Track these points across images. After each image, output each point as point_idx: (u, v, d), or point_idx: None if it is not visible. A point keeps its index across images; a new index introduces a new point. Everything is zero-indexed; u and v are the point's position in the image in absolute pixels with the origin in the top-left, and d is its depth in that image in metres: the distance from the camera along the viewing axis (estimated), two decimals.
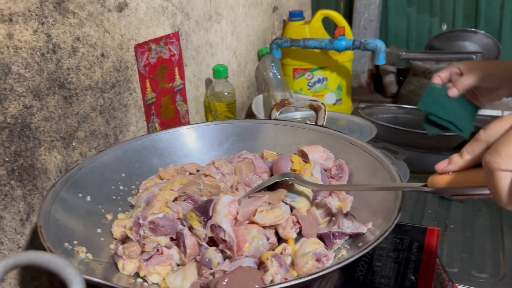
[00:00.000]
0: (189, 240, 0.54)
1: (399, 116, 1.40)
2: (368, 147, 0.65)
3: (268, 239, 0.56)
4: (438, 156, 1.18)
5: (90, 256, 0.57)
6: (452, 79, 0.86)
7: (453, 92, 0.84)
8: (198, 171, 0.73)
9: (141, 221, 0.54)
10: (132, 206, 0.70)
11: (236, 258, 0.53)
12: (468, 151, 0.44)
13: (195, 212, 0.55)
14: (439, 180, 0.47)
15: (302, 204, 0.59)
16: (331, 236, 0.56)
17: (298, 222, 0.56)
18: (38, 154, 0.67)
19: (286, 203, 0.60)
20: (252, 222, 0.57)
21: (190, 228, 0.56)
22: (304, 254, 0.52)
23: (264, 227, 0.57)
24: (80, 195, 0.66)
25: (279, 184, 0.64)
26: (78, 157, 0.74)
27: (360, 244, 0.53)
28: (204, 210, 0.55)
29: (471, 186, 0.44)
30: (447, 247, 0.85)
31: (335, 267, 0.44)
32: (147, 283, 0.54)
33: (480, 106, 0.88)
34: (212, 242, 0.56)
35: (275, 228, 0.58)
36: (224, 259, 0.54)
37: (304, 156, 0.68)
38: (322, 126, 0.74)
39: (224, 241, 0.53)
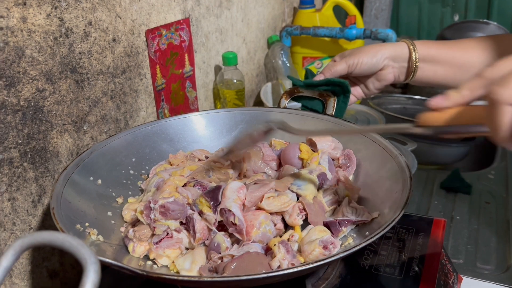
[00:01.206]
0: (199, 225, 0.55)
1: (408, 107, 1.39)
2: (377, 137, 0.65)
3: (275, 225, 0.57)
4: (446, 148, 1.19)
5: (101, 238, 0.58)
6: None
7: (318, 77, 0.79)
8: (207, 157, 0.74)
9: (152, 205, 0.54)
10: (142, 191, 0.71)
11: (244, 244, 0.53)
12: (468, 87, 0.42)
13: (205, 198, 0.56)
14: (433, 118, 0.44)
15: (308, 192, 0.59)
16: (337, 224, 0.57)
17: (304, 209, 0.57)
18: (50, 137, 0.67)
19: (292, 191, 0.60)
20: (259, 208, 0.58)
21: (200, 213, 0.56)
22: (310, 241, 0.53)
23: (271, 213, 0.58)
24: (91, 178, 0.67)
25: (284, 173, 0.65)
26: (89, 141, 0.75)
27: (367, 233, 0.54)
28: (213, 195, 0.56)
29: (467, 123, 0.41)
30: (453, 239, 0.85)
31: (342, 255, 0.45)
32: (157, 265, 0.56)
33: (365, 93, 0.83)
34: (221, 227, 0.57)
35: (282, 214, 0.58)
36: (232, 244, 0.55)
37: (312, 145, 0.68)
38: (331, 115, 0.74)
39: (234, 224, 0.54)
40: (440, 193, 1.00)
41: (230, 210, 0.54)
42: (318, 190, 0.61)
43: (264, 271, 0.49)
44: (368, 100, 1.24)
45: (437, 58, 0.75)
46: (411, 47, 0.75)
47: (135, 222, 0.58)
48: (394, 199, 0.55)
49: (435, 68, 0.76)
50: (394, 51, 0.76)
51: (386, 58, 0.76)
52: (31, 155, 0.65)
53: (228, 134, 0.80)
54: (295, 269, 0.44)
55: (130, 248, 0.56)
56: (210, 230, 0.56)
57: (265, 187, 0.58)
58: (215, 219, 0.55)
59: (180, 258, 0.54)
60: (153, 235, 0.56)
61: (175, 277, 0.44)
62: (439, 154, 1.16)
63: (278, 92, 1.28)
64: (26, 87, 0.62)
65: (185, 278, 0.44)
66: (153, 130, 0.77)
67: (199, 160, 0.74)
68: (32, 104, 0.64)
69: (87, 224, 0.59)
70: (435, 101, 0.44)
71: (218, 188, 0.57)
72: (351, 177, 0.66)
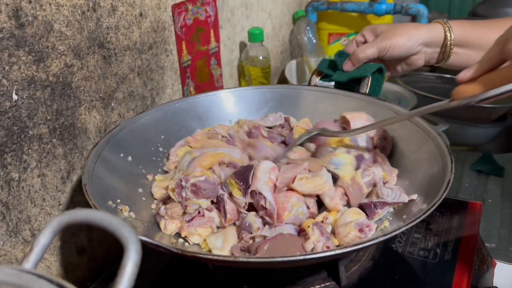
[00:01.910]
0: (229, 206, 0.54)
1: (437, 86, 1.35)
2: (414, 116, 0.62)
3: (308, 207, 0.56)
4: (478, 129, 1.15)
5: (132, 214, 0.57)
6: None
7: (347, 66, 0.74)
8: (230, 135, 0.72)
9: (183, 183, 0.54)
10: (165, 172, 0.70)
11: (276, 225, 0.52)
12: (486, 56, 0.46)
13: (235, 179, 0.54)
14: (464, 90, 0.46)
15: (346, 172, 0.57)
16: (372, 206, 0.55)
17: (345, 194, 0.55)
18: (79, 114, 0.67)
19: (330, 171, 0.58)
20: (291, 189, 0.57)
21: (230, 195, 0.55)
22: (345, 223, 0.51)
23: (304, 195, 0.56)
24: (122, 155, 0.67)
25: (319, 153, 0.63)
26: (117, 118, 0.74)
27: (404, 216, 0.52)
28: (244, 177, 0.54)
29: (497, 86, 0.43)
30: (485, 222, 0.83)
31: (380, 239, 0.43)
32: (188, 243, 0.55)
33: (392, 74, 0.79)
34: (252, 207, 0.56)
35: (315, 196, 0.57)
36: (264, 225, 0.54)
37: (346, 123, 0.66)
38: (365, 94, 0.72)
39: (265, 208, 0.53)
40: (471, 175, 0.98)
41: (261, 193, 0.53)
42: (355, 170, 0.60)
43: (298, 253, 0.48)
44: (396, 78, 1.20)
45: (473, 42, 0.71)
46: (447, 30, 0.70)
47: (166, 200, 0.58)
48: (432, 182, 0.53)
49: (469, 52, 0.72)
50: (430, 36, 0.71)
51: (420, 44, 0.71)
52: (60, 131, 0.64)
53: (258, 112, 0.78)
54: (331, 252, 0.42)
55: (162, 226, 0.56)
56: (240, 212, 0.55)
57: (298, 168, 0.57)
58: (245, 203, 0.54)
59: (212, 237, 0.54)
60: (184, 213, 0.55)
61: (210, 256, 0.43)
62: (469, 135, 1.12)
63: (303, 70, 1.26)
64: (54, 62, 0.62)
65: (220, 258, 0.44)
66: (182, 107, 0.76)
67: (223, 137, 0.72)
68: (61, 79, 0.63)
69: (118, 200, 0.59)
70: (461, 75, 0.47)
71: (249, 168, 0.55)
72: (386, 157, 0.64)
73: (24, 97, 0.58)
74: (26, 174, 0.60)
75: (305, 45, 1.26)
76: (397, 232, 0.43)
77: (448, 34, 0.70)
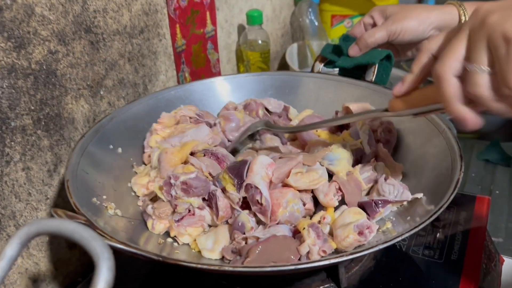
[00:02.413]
0: (222, 202, 0.51)
1: None
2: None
3: (304, 204, 0.52)
4: (485, 116, 1.11)
5: (119, 212, 0.54)
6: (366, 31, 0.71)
7: (353, 51, 0.69)
8: (198, 114, 0.68)
9: (172, 181, 0.50)
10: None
11: (270, 225, 0.49)
12: (415, 64, 0.46)
13: (228, 174, 0.51)
14: (398, 104, 0.48)
15: (340, 167, 0.54)
16: (373, 204, 0.52)
17: (340, 189, 0.52)
18: (65, 103, 0.63)
19: (323, 166, 0.55)
20: (286, 185, 0.53)
21: (223, 190, 0.52)
22: (344, 225, 0.48)
23: (300, 191, 0.53)
24: (111, 146, 0.64)
25: (313, 146, 0.60)
26: (106, 107, 0.71)
27: (408, 217, 0.49)
28: (238, 172, 0.51)
29: (427, 103, 0.44)
30: (492, 215, 0.80)
31: (381, 246, 0.40)
32: (177, 243, 0.52)
33: (401, 59, 0.74)
34: (245, 204, 0.52)
35: (312, 193, 0.53)
36: (258, 224, 0.51)
37: (349, 114, 0.62)
38: (371, 82, 0.67)
39: (259, 204, 0.50)
40: (478, 165, 0.94)
41: (257, 188, 0.49)
42: (354, 166, 0.56)
43: (292, 256, 0.44)
44: (402, 63, 1.15)
45: None
46: (462, 13, 0.65)
47: (154, 197, 0.54)
48: (440, 179, 0.49)
49: None
50: (443, 19, 0.66)
51: (433, 28, 0.66)
52: (45, 122, 0.61)
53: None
54: (325, 262, 0.39)
55: (149, 225, 0.52)
56: (233, 208, 0.52)
57: (293, 161, 0.53)
58: (239, 198, 0.50)
59: (202, 237, 0.50)
60: (174, 211, 0.52)
61: (194, 265, 0.40)
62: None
63: (305, 54, 1.21)
64: (37, 48, 0.58)
65: (204, 267, 0.41)
66: (177, 95, 0.73)
67: (191, 118, 0.68)
68: (44, 67, 0.59)
69: (104, 197, 0.56)
70: (396, 89, 0.47)
71: (243, 163, 0.52)
72: (390, 152, 0.60)
73: (4, 86, 0.54)
74: (9, 168, 0.57)
75: (306, 28, 1.21)
76: (400, 238, 0.40)
77: (462, 17, 0.65)
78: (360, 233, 0.46)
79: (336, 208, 0.52)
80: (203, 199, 0.53)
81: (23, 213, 0.60)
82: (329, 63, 0.73)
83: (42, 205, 0.62)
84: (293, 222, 0.51)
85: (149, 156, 0.65)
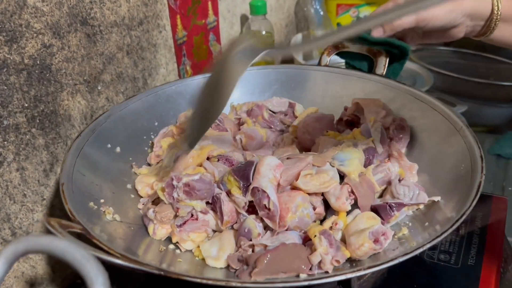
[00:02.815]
0: (227, 206, 0.48)
1: (452, 61, 1.26)
2: (438, 103, 0.55)
3: (314, 208, 0.49)
4: (497, 109, 1.08)
5: (117, 217, 0.52)
6: None
7: (377, 32, 0.64)
8: (219, 120, 0.65)
9: (175, 183, 0.47)
10: (149, 165, 0.64)
11: (279, 231, 0.46)
12: None
13: (234, 176, 0.48)
14: None
15: (352, 168, 0.50)
16: (388, 207, 0.49)
17: (352, 192, 0.49)
18: (61, 99, 0.60)
19: (333, 167, 0.52)
20: (295, 188, 0.50)
21: (228, 194, 0.49)
22: (358, 231, 0.45)
23: (310, 194, 0.50)
24: (109, 145, 0.61)
25: (321, 145, 0.56)
26: (104, 103, 0.68)
27: (426, 223, 0.46)
28: (244, 174, 0.48)
29: None
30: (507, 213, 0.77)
31: (401, 259, 0.37)
32: (180, 250, 0.49)
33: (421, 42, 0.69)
34: (251, 208, 0.50)
35: (322, 195, 0.50)
36: (265, 229, 0.48)
37: (359, 110, 0.59)
38: (382, 75, 0.64)
39: (267, 208, 0.47)
40: (490, 160, 0.91)
41: (264, 191, 0.46)
42: (366, 166, 0.53)
43: (303, 266, 0.42)
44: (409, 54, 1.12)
45: None
46: (495, 1, 0.61)
47: (155, 199, 0.52)
48: (458, 182, 0.46)
49: None
50: (476, 7, 0.61)
51: (464, 15, 0.62)
52: (39, 120, 0.58)
53: (261, 95, 0.71)
54: (342, 277, 0.37)
55: (150, 230, 0.50)
56: (239, 213, 0.49)
57: (302, 162, 0.50)
58: (245, 202, 0.48)
59: (206, 243, 0.48)
60: (176, 215, 0.49)
61: (199, 280, 0.37)
62: (488, 115, 1.05)
63: None
64: (30, 42, 0.54)
65: (210, 282, 0.38)
66: (178, 90, 0.69)
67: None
68: (38, 62, 0.56)
69: (102, 200, 0.53)
70: None
71: (249, 164, 0.49)
72: (403, 151, 0.57)
73: None
74: (2, 169, 0.54)
75: (311, 18, 1.17)
76: (421, 250, 0.37)
77: (496, 7, 0.61)
78: (376, 241, 0.43)
79: (348, 213, 0.49)
80: (207, 203, 0.50)
81: (18, 215, 0.57)
82: (340, 54, 0.69)
83: (38, 206, 0.60)
84: (303, 228, 0.48)
85: (158, 156, 0.62)
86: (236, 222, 0.49)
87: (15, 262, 0.27)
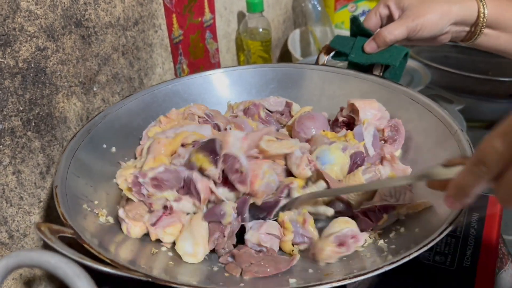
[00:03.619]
0: (201, 184, 0.49)
1: (450, 56, 1.26)
2: (435, 106, 0.55)
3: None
4: (495, 104, 1.07)
5: (110, 219, 0.52)
6: (382, 23, 0.67)
7: (370, 47, 0.65)
8: (207, 114, 0.65)
9: (141, 180, 0.47)
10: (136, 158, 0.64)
11: (260, 222, 0.48)
12: None
13: (202, 152, 0.49)
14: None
15: (332, 174, 0.52)
16: (376, 210, 0.49)
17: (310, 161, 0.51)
18: (56, 102, 0.60)
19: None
20: (261, 154, 0.53)
21: (200, 170, 0.50)
22: (325, 236, 0.46)
23: (273, 160, 0.53)
24: (104, 146, 0.61)
25: (316, 142, 0.57)
26: (100, 104, 0.67)
27: (417, 229, 0.46)
28: (211, 148, 0.49)
29: None
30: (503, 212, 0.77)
31: (387, 268, 0.38)
32: (166, 247, 0.50)
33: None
34: (224, 179, 0.51)
35: (285, 164, 0.53)
36: (237, 215, 0.50)
37: (354, 112, 0.58)
38: (379, 76, 0.64)
39: (239, 172, 0.48)
40: None
41: (235, 157, 0.47)
42: (353, 170, 0.53)
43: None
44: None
45: (506, 24, 0.62)
46: (481, 7, 0.61)
47: (126, 198, 0.52)
48: None
49: (500, 35, 0.63)
50: (463, 14, 0.62)
51: (452, 24, 0.62)
52: (35, 123, 0.58)
53: (258, 94, 0.71)
54: (327, 285, 0.38)
55: (124, 229, 0.50)
56: (212, 192, 0.50)
57: (265, 130, 0.53)
58: (219, 173, 0.48)
59: (179, 241, 0.48)
60: (150, 211, 0.49)
61: (186, 287, 0.38)
62: (486, 110, 1.05)
63: (307, 41, 1.17)
64: (24, 46, 0.54)
65: None
66: (174, 90, 0.69)
67: (199, 117, 0.65)
68: (33, 65, 0.56)
69: (96, 202, 0.53)
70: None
71: (211, 140, 0.50)
72: (398, 152, 0.57)
73: None
74: None
75: (309, 13, 1.16)
76: (405, 260, 0.38)
77: (482, 14, 0.61)
78: (341, 244, 0.44)
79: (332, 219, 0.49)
80: (179, 190, 0.50)
81: (15, 218, 0.57)
82: (337, 55, 0.69)
83: (35, 209, 0.60)
84: (269, 193, 0.50)
85: (142, 147, 0.62)
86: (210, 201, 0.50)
87: (7, 276, 0.28)
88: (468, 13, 0.62)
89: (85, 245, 0.41)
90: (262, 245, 0.47)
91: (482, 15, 0.61)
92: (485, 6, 0.61)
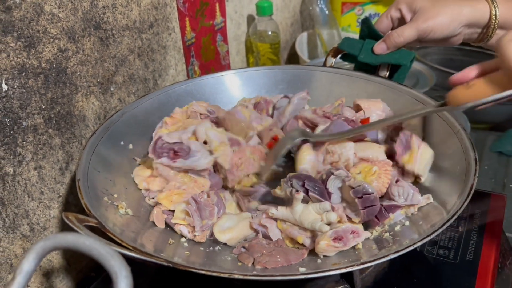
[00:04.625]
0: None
1: (455, 58, 1.28)
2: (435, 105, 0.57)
3: None
4: (498, 107, 1.08)
5: (129, 211, 0.54)
6: (393, 25, 0.68)
7: (380, 48, 0.66)
8: (209, 111, 0.68)
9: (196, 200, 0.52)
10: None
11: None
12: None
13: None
14: (463, 95, 0.44)
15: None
16: (383, 209, 0.51)
17: None
18: (75, 101, 0.63)
19: None
20: None
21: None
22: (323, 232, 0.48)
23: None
24: (122, 143, 0.63)
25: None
26: (117, 103, 0.70)
27: (421, 222, 0.48)
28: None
29: (494, 92, 0.42)
30: (506, 210, 0.79)
31: (392, 256, 0.40)
32: (187, 244, 0.52)
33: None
34: None
35: None
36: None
37: (360, 111, 0.61)
38: (385, 77, 0.66)
39: None
40: (491, 157, 0.93)
41: None
42: None
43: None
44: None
45: None
46: (493, 9, 0.62)
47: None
48: (454, 183, 0.48)
49: None
50: (474, 16, 0.62)
51: (463, 26, 0.63)
52: (56, 121, 0.60)
53: (268, 94, 0.73)
54: (332, 272, 0.40)
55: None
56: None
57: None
58: None
59: (223, 218, 0.53)
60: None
61: (203, 272, 0.40)
62: (489, 112, 1.06)
63: (315, 43, 1.19)
64: (47, 47, 0.57)
65: (214, 274, 0.41)
66: (188, 90, 0.72)
67: (201, 114, 0.67)
68: (55, 65, 0.59)
69: (115, 195, 0.56)
70: (457, 76, 0.45)
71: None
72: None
73: (15, 86, 0.54)
74: (21, 168, 0.57)
75: (317, 16, 1.19)
76: (411, 248, 0.40)
77: (493, 15, 0.62)
78: (338, 239, 0.46)
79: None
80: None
81: (36, 211, 0.60)
82: (345, 57, 0.71)
83: (54, 203, 0.63)
84: None
85: None
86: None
87: (44, 257, 0.30)
88: (480, 15, 0.62)
89: (109, 234, 0.44)
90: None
91: (494, 17, 0.62)
92: (496, 8, 0.62)
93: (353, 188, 0.47)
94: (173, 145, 0.56)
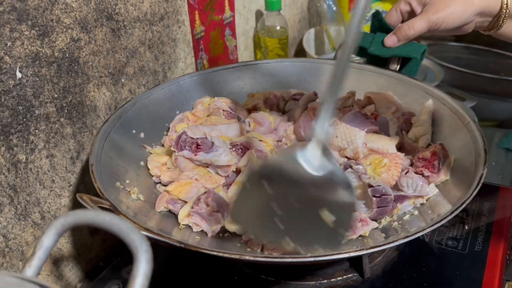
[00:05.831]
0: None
1: (462, 57, 1.28)
2: (447, 98, 0.57)
3: None
4: (505, 104, 1.09)
5: (141, 197, 0.55)
6: (403, 19, 0.68)
7: (390, 41, 0.66)
8: (231, 108, 0.68)
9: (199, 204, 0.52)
10: (163, 146, 0.67)
11: None
12: None
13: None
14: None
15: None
16: (392, 200, 0.51)
17: None
18: (87, 91, 0.63)
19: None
20: None
21: None
22: None
23: None
24: (134, 131, 0.64)
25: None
26: (127, 94, 0.71)
27: (429, 211, 0.48)
28: None
29: None
30: None
31: (402, 241, 0.40)
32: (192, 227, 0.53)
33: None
34: None
35: None
36: None
37: (370, 103, 0.61)
38: (395, 71, 0.66)
39: None
40: (499, 153, 0.92)
41: None
42: None
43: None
44: None
45: None
46: None
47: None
48: (463, 173, 0.49)
49: None
50: (486, 6, 0.62)
51: (476, 14, 0.63)
52: (68, 110, 0.61)
53: (278, 87, 0.73)
54: (340, 255, 0.40)
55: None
56: None
57: None
58: None
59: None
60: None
61: (215, 253, 0.41)
62: (497, 109, 1.07)
63: (322, 40, 1.19)
64: (60, 36, 0.58)
65: (225, 255, 0.41)
66: (198, 81, 0.73)
67: (224, 111, 0.68)
68: (67, 55, 0.59)
69: (127, 181, 0.57)
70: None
71: None
72: None
73: (29, 74, 0.55)
74: (33, 156, 0.57)
75: (324, 13, 1.19)
76: (419, 234, 0.40)
77: (504, 5, 0.62)
78: None
79: None
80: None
81: (47, 199, 0.61)
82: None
83: (65, 192, 0.63)
84: None
85: (172, 139, 0.65)
86: None
87: (64, 233, 0.31)
88: (491, 4, 0.62)
89: (122, 216, 0.44)
90: None
91: (505, 6, 0.61)
92: None
93: (373, 186, 0.48)
94: (196, 140, 0.57)
